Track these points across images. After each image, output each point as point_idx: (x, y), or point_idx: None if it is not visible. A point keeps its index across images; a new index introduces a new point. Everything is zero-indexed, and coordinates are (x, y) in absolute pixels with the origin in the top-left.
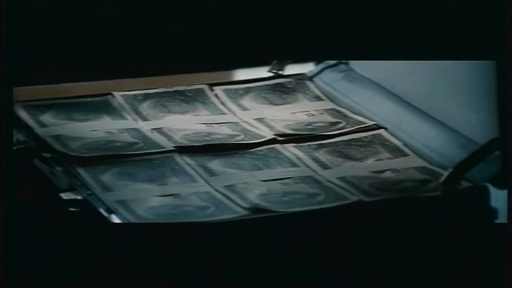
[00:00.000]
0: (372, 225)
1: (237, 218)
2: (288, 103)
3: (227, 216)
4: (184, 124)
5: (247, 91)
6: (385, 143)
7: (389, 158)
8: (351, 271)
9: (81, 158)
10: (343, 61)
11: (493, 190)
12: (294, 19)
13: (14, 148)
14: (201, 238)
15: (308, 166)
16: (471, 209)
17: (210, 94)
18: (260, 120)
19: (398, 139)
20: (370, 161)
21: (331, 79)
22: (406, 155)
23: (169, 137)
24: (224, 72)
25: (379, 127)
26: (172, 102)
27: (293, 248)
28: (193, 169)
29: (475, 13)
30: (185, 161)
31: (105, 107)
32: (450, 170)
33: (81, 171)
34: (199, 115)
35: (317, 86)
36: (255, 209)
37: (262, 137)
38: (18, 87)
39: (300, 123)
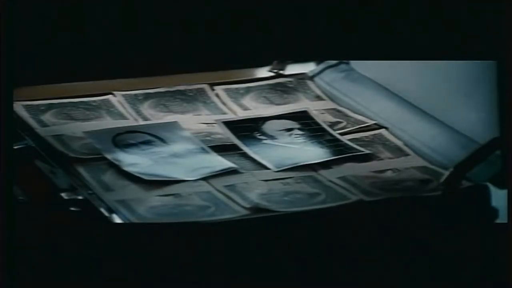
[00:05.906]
0: (373, 225)
1: (237, 218)
2: (289, 102)
3: (227, 216)
4: (185, 123)
5: (248, 90)
6: (385, 143)
7: (390, 158)
8: (352, 270)
9: (82, 158)
10: (344, 61)
11: (493, 190)
12: (295, 19)
13: (14, 147)
14: (202, 238)
15: None
16: (472, 209)
17: (211, 93)
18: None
19: (399, 138)
20: (371, 161)
21: (332, 78)
22: (407, 154)
23: None
24: (225, 71)
25: (380, 127)
26: (173, 101)
27: (293, 248)
28: None
29: (475, 13)
30: None
31: (106, 107)
32: (451, 169)
33: (82, 170)
34: (200, 114)
35: (318, 86)
36: (256, 208)
37: None
38: (18, 87)
39: None
